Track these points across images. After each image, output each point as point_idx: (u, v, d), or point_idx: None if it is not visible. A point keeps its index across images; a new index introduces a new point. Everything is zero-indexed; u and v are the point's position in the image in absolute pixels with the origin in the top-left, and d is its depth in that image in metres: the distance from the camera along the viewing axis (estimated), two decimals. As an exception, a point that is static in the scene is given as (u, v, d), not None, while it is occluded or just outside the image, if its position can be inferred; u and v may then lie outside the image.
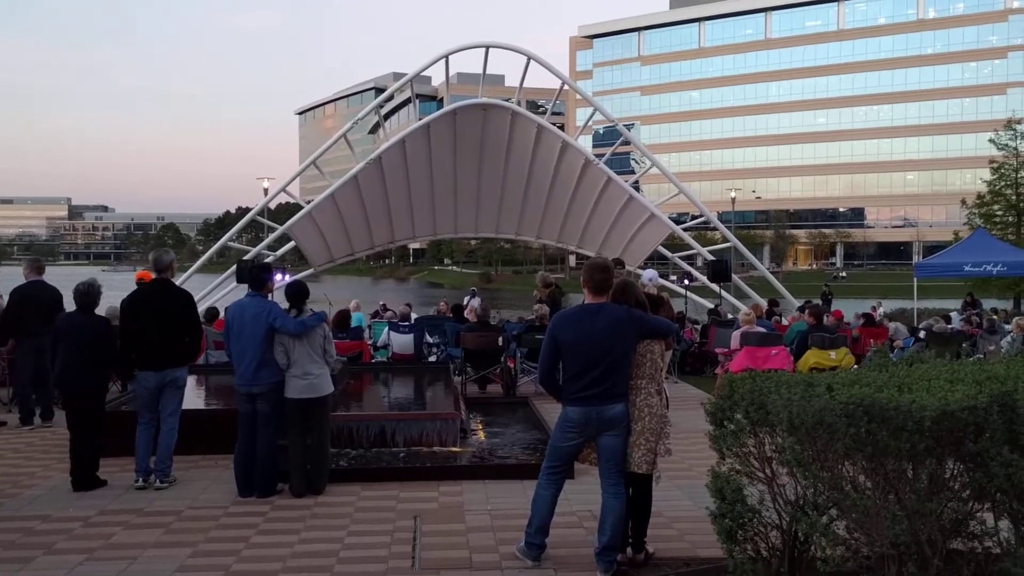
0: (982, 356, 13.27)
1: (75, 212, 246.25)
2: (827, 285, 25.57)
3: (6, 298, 10.71)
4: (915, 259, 65.20)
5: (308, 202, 21.09)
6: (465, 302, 20.09)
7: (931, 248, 65.31)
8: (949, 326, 16.45)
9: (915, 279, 23.68)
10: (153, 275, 7.74)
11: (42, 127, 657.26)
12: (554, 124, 22.04)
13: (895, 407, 3.85)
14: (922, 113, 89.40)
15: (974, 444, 3.94)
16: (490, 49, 20.87)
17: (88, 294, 7.52)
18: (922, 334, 16.02)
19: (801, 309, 17.14)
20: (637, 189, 22.37)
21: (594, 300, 5.34)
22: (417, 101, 23.94)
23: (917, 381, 4.29)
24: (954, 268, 21.94)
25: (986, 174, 40.31)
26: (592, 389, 5.15)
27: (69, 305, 9.70)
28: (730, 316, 17.58)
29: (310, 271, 21.53)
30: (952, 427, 3.89)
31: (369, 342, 14.40)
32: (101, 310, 7.97)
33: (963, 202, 41.79)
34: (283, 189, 22.06)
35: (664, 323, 5.56)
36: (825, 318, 13.54)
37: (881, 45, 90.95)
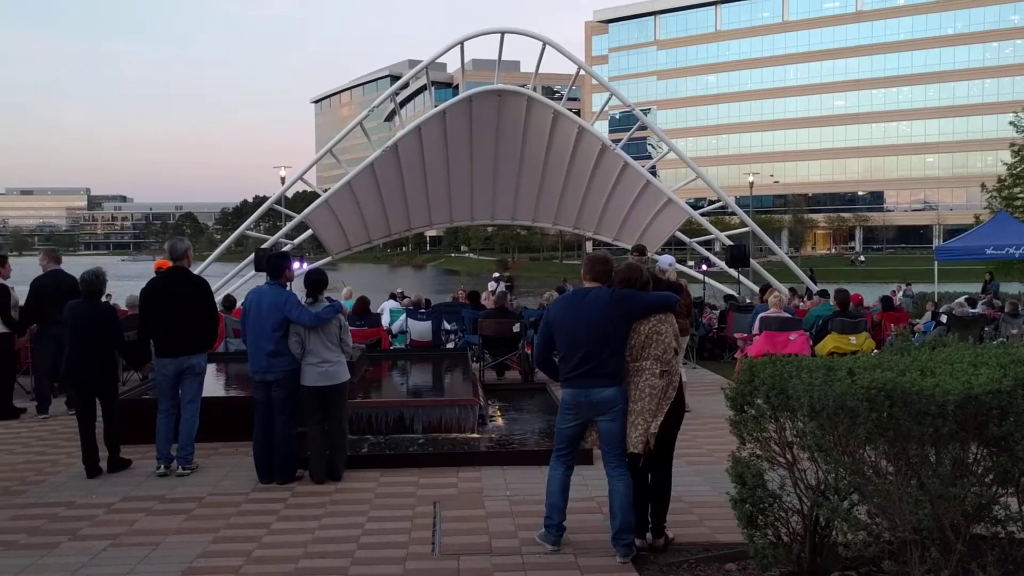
0: (1005, 339, 13.15)
1: (94, 202, 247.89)
2: (811, 269, 25.50)
3: (19, 289, 10.78)
4: (935, 243, 64.62)
5: (325, 190, 21.13)
6: (491, 288, 20.08)
7: (952, 231, 64.71)
8: (972, 310, 16.29)
9: (936, 263, 23.45)
10: (170, 263, 7.79)
11: (61, 119, 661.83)
12: (570, 110, 21.97)
13: (918, 391, 3.81)
14: (942, 95, 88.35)
15: (998, 428, 3.90)
16: (505, 35, 20.80)
17: (95, 283, 7.59)
18: (944, 318, 15.88)
19: (821, 294, 17.00)
20: (654, 174, 22.21)
21: (591, 287, 5.43)
22: (432, 88, 23.90)
23: (940, 365, 4.25)
24: (976, 251, 21.69)
25: (1007, 156, 39.76)
26: (578, 369, 5.24)
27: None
28: (748, 300, 17.49)
29: (327, 259, 21.61)
30: (976, 411, 3.85)
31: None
32: (121, 299, 8.03)
33: (983, 185, 41.31)
34: (300, 177, 22.10)
35: (661, 298, 5.43)
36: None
37: (900, 26, 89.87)
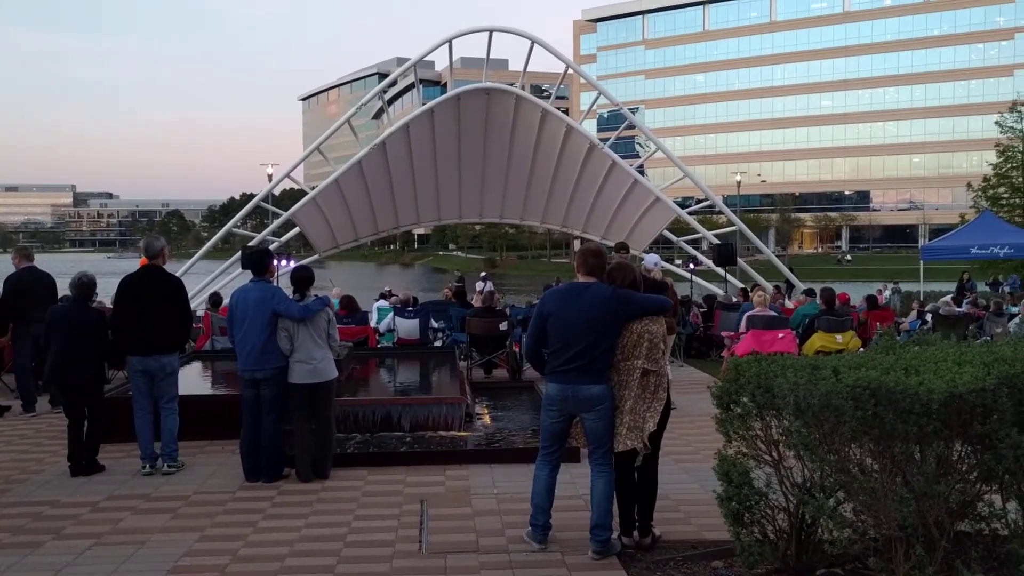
0: (989, 338, 13.23)
1: (80, 199, 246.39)
2: (790, 268, 25.61)
3: None
4: (921, 242, 65.00)
5: (313, 188, 21.07)
6: (479, 288, 20.08)
7: (937, 231, 65.08)
8: (958, 309, 16.40)
9: (921, 262, 23.58)
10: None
11: (46, 115, 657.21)
12: (558, 108, 21.98)
13: (902, 390, 3.83)
14: (928, 95, 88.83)
15: (982, 426, 3.93)
16: (494, 33, 20.77)
17: (84, 286, 7.53)
18: (928, 317, 15.98)
19: (808, 293, 17.07)
20: (642, 173, 22.25)
21: (585, 281, 5.39)
22: (421, 86, 23.86)
23: (925, 363, 4.28)
24: (961, 251, 21.84)
25: (992, 157, 40.05)
26: (570, 365, 5.21)
27: (62, 289, 9.72)
28: (734, 299, 17.54)
29: (315, 257, 21.54)
30: (960, 409, 3.87)
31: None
32: (107, 297, 7.98)
33: (969, 185, 41.60)
34: (287, 175, 22.04)
35: (655, 301, 5.52)
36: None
37: (887, 27, 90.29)
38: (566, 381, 5.24)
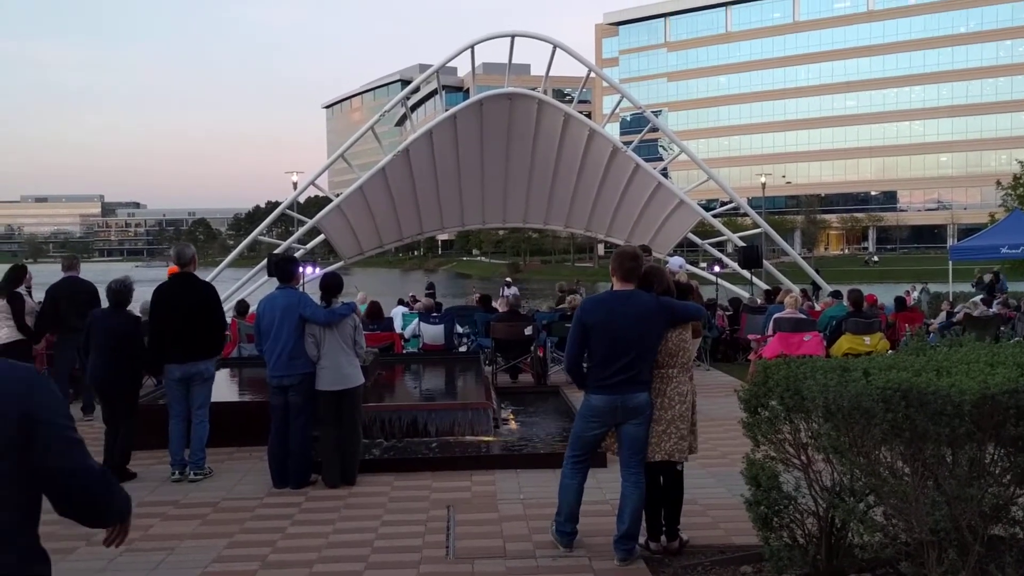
0: (1021, 339, 13.04)
1: (108, 209, 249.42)
2: (817, 269, 25.29)
3: (37, 296, 10.83)
4: (949, 242, 64.18)
5: (337, 195, 21.19)
6: (502, 292, 20.10)
7: (966, 231, 64.26)
8: (990, 310, 16.16)
9: (950, 262, 23.29)
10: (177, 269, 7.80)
11: (75, 126, 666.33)
12: (581, 112, 21.96)
13: (934, 391, 3.78)
14: (955, 93, 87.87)
15: (1015, 428, 3.87)
16: (515, 38, 20.80)
17: (120, 292, 7.60)
18: (956, 317, 15.76)
19: (835, 295, 16.91)
20: (665, 176, 22.19)
21: (622, 287, 5.29)
22: (443, 92, 23.91)
23: (956, 365, 4.22)
24: (990, 250, 21.52)
25: (1022, 154, 39.51)
26: (619, 376, 5.09)
27: (103, 299, 9.83)
28: (758, 301, 17.41)
29: (340, 263, 21.66)
30: (993, 411, 3.81)
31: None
32: (135, 306, 8.05)
33: (998, 183, 41.09)
34: (312, 183, 22.20)
35: (693, 307, 5.54)
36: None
37: (912, 25, 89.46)
38: (616, 392, 5.09)
